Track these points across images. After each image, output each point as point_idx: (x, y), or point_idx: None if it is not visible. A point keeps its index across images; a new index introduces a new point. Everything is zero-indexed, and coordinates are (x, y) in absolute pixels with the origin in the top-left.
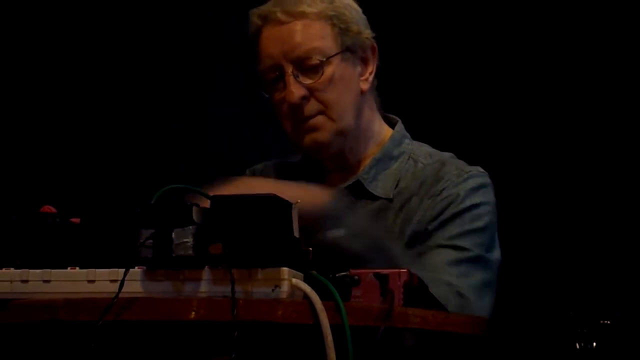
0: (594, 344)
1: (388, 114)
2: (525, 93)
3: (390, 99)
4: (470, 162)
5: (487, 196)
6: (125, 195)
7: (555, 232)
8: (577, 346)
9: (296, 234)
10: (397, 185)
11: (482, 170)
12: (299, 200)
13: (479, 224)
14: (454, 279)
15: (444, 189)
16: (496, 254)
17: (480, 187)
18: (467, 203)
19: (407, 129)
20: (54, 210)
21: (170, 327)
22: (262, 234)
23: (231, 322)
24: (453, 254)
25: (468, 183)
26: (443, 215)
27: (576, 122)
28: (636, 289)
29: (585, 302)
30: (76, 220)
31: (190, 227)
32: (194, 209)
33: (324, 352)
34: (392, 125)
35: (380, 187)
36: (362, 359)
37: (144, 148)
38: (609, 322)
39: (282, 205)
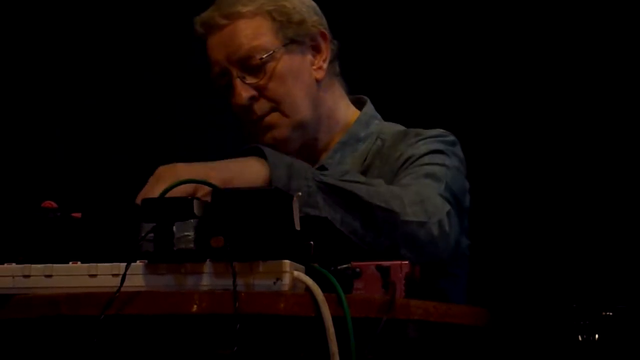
0: (596, 335)
1: (357, 94)
2: (511, 84)
3: (364, 80)
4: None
5: (448, 147)
6: (127, 189)
7: (557, 224)
8: (580, 338)
9: (297, 226)
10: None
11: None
12: (233, 176)
13: (441, 160)
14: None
15: (402, 153)
16: (467, 200)
17: (440, 136)
18: (426, 149)
19: (387, 112)
20: (55, 205)
21: (172, 320)
22: (263, 227)
23: (233, 315)
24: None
25: (427, 139)
26: (404, 165)
27: (574, 113)
28: (638, 281)
29: (587, 294)
30: (77, 214)
31: (192, 220)
32: (195, 202)
33: (326, 344)
34: (361, 107)
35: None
36: (364, 351)
37: (145, 143)
38: (611, 313)
39: (283, 198)
